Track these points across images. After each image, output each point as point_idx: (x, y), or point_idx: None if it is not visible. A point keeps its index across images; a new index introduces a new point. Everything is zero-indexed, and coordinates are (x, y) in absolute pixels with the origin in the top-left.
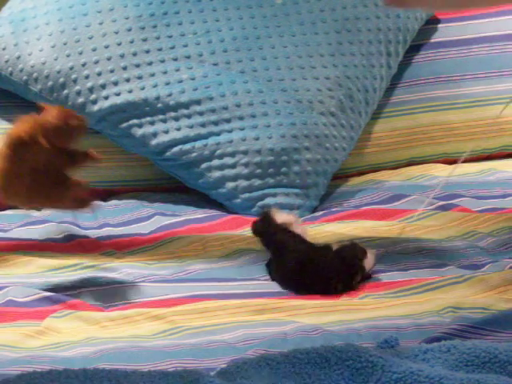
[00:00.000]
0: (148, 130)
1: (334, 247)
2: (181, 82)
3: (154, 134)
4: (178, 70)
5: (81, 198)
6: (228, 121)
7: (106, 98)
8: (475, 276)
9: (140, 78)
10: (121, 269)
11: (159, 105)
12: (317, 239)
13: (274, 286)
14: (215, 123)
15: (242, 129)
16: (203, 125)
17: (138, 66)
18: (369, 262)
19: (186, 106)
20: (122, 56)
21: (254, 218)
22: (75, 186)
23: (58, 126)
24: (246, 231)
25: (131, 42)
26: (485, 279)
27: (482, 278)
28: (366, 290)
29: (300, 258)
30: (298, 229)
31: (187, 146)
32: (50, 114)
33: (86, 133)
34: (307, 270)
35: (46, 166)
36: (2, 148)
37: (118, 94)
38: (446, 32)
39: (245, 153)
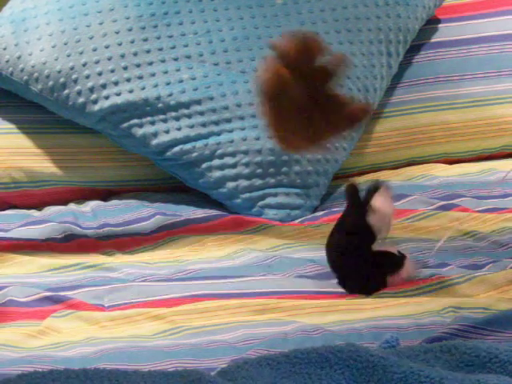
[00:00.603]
0: (148, 129)
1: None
2: (181, 81)
3: (155, 134)
4: (178, 70)
5: (355, 111)
6: (229, 121)
7: (107, 97)
8: (476, 276)
9: (141, 77)
10: (121, 268)
11: (160, 105)
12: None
13: (274, 286)
14: (216, 123)
15: (243, 129)
16: (204, 125)
17: (138, 65)
18: (406, 269)
19: (187, 105)
20: (123, 56)
21: (254, 218)
22: (344, 99)
23: (297, 55)
24: (247, 231)
25: (132, 41)
26: (485, 279)
27: (482, 278)
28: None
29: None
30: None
31: (188, 146)
32: (284, 48)
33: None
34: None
35: (304, 97)
36: (262, 100)
37: (118, 94)
38: (445, 32)
39: (245, 152)
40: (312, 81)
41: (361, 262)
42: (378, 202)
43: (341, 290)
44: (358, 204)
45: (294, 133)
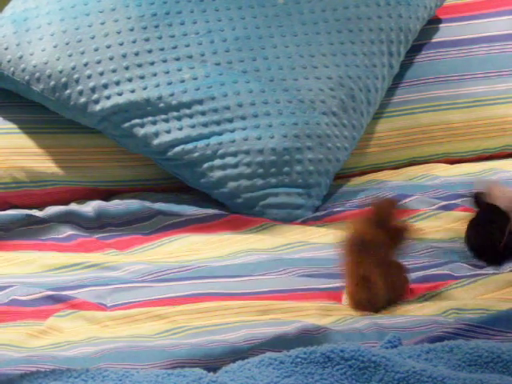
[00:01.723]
0: (150, 129)
1: None
2: (183, 81)
3: (156, 134)
4: (180, 70)
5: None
6: (230, 120)
7: (108, 97)
8: (477, 278)
9: (142, 77)
10: (123, 268)
11: (161, 104)
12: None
13: (275, 285)
14: (217, 123)
15: (244, 128)
16: (205, 124)
17: (140, 65)
18: None
19: (188, 105)
20: (124, 56)
21: (255, 218)
22: (404, 269)
23: (387, 217)
24: (248, 231)
25: (133, 41)
26: (487, 281)
27: (484, 279)
28: None
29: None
30: None
31: (189, 146)
32: (376, 210)
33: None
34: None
35: (389, 258)
36: (350, 254)
37: (120, 94)
38: (446, 32)
39: (247, 152)
40: (390, 240)
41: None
42: (497, 189)
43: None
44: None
45: (377, 292)
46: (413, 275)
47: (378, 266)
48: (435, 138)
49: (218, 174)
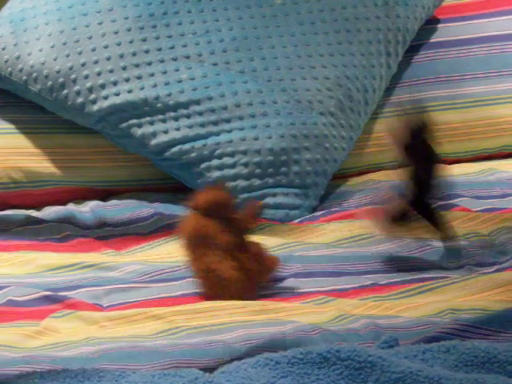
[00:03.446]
0: (147, 129)
1: None
2: (180, 81)
3: (154, 134)
4: (177, 70)
5: (270, 262)
6: (227, 121)
7: (106, 97)
8: (475, 276)
9: (139, 77)
10: (120, 268)
11: (159, 105)
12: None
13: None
14: (215, 123)
15: (242, 129)
16: (203, 125)
17: (137, 65)
18: None
19: (186, 105)
20: (122, 56)
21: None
22: (261, 250)
23: (215, 205)
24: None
25: (131, 42)
26: (484, 279)
27: (481, 278)
28: (367, 292)
29: None
30: None
31: (186, 146)
32: (201, 200)
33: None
34: None
35: (227, 243)
36: (188, 251)
37: (117, 94)
38: (445, 32)
39: (244, 153)
40: (228, 229)
41: None
42: None
43: (339, 287)
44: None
45: (227, 282)
46: (411, 275)
47: (221, 254)
48: (434, 138)
49: (215, 174)
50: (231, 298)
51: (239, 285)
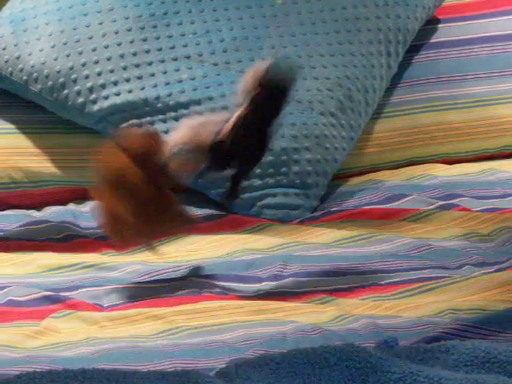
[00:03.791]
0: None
1: None
2: (181, 82)
3: None
4: (177, 70)
5: (184, 218)
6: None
7: (106, 97)
8: (474, 276)
9: (140, 78)
10: (120, 268)
11: (159, 105)
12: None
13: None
14: None
15: None
16: None
17: (137, 66)
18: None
19: (186, 106)
20: (122, 56)
21: (253, 219)
22: (177, 205)
23: (143, 150)
24: (246, 231)
25: (131, 42)
26: (484, 279)
27: (481, 278)
28: (367, 292)
29: None
30: None
31: None
32: (131, 142)
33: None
34: None
35: (144, 193)
36: (100, 188)
37: (117, 94)
38: (447, 32)
39: None
40: (150, 176)
41: None
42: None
43: (340, 287)
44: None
45: (128, 227)
46: (411, 275)
47: (133, 202)
48: (435, 138)
49: (215, 174)
50: (127, 242)
51: (139, 234)
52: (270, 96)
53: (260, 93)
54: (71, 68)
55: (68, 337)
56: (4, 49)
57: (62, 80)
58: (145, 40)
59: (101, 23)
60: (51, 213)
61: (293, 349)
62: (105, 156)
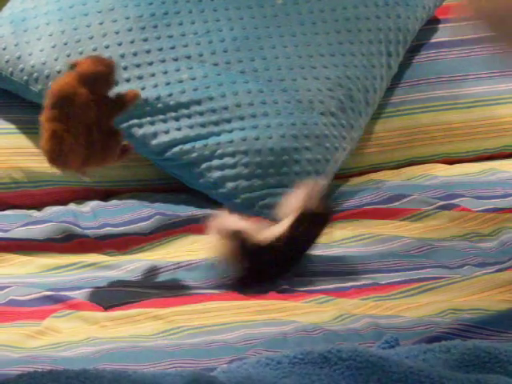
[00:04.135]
0: (148, 130)
1: None
2: (181, 82)
3: (155, 134)
4: (178, 70)
5: (124, 148)
6: (228, 121)
7: None
8: (475, 276)
9: (140, 78)
10: (121, 267)
11: (159, 105)
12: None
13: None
14: (215, 123)
15: (243, 129)
16: (203, 125)
17: (138, 66)
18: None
19: (187, 106)
20: (123, 56)
21: (254, 218)
22: (120, 136)
23: (94, 74)
24: None
25: (132, 42)
26: (485, 279)
27: (482, 278)
28: (368, 292)
29: None
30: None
31: (187, 146)
32: (82, 66)
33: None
34: None
35: (92, 119)
36: (46, 109)
37: None
38: (447, 32)
39: (245, 153)
40: (100, 107)
41: None
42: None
43: (340, 287)
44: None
45: (68, 148)
46: (411, 275)
47: (76, 124)
48: (435, 138)
49: (216, 174)
50: (64, 163)
51: (77, 156)
52: (313, 220)
53: (305, 214)
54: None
55: (69, 337)
56: (4, 49)
57: None
58: (145, 40)
59: (101, 23)
60: (51, 213)
61: (294, 349)
62: (56, 80)
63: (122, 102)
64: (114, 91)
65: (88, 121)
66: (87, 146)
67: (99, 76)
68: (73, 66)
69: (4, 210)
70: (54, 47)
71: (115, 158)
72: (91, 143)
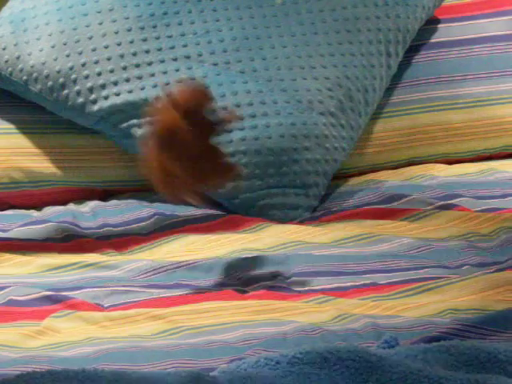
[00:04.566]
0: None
1: None
2: (181, 82)
3: None
4: (177, 70)
5: (230, 171)
6: None
7: (106, 98)
8: (474, 276)
9: (140, 78)
10: (121, 266)
11: None
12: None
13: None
14: None
15: (242, 129)
16: None
17: (137, 66)
18: None
19: None
20: (122, 56)
21: (252, 218)
22: (223, 157)
23: (196, 107)
24: (245, 231)
25: (131, 42)
26: (484, 279)
27: (480, 278)
28: (367, 292)
29: None
30: None
31: None
32: (181, 98)
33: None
34: None
35: (195, 148)
36: (151, 143)
37: (117, 94)
38: (447, 32)
39: (244, 153)
40: (200, 131)
41: None
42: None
43: (340, 287)
44: None
45: (177, 178)
46: (411, 275)
47: (183, 158)
48: (435, 138)
49: None
50: (177, 196)
51: (189, 187)
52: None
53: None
54: (71, 68)
55: (68, 337)
56: (4, 49)
57: (61, 80)
58: (145, 40)
59: (101, 23)
60: (51, 213)
61: (293, 349)
62: (156, 112)
63: (220, 125)
64: (211, 115)
65: (194, 151)
66: (197, 175)
67: (201, 108)
68: (170, 96)
69: (3, 209)
70: (53, 47)
71: (227, 180)
72: (200, 172)
